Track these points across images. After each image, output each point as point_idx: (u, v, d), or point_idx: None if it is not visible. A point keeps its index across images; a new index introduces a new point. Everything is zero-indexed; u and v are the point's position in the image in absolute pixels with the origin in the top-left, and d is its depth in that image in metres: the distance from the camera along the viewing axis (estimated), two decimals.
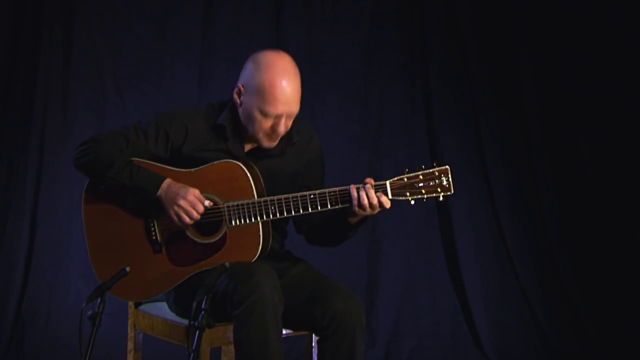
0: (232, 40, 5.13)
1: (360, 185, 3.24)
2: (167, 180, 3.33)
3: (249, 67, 3.33)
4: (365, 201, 3.22)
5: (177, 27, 5.11)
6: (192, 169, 3.36)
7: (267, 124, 3.30)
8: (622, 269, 5.16)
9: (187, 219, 3.29)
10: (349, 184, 3.27)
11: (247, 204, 3.29)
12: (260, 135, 3.34)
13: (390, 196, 3.24)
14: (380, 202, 3.24)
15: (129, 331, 3.61)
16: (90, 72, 5.08)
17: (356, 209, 3.23)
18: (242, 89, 3.33)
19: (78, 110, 5.07)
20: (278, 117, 3.29)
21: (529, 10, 5.26)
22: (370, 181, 3.25)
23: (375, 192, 3.22)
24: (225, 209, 3.31)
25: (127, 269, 3.10)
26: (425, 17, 5.29)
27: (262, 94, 3.27)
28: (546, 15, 5.25)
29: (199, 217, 3.30)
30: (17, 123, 5.05)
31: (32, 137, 5.01)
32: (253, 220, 3.30)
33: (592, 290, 5.21)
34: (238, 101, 3.35)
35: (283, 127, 3.31)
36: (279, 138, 3.36)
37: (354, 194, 3.22)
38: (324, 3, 5.24)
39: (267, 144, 3.36)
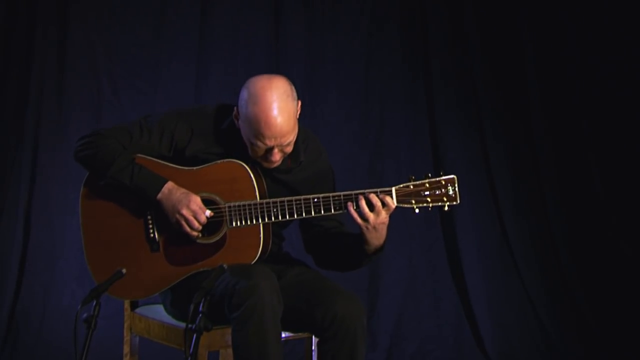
0: (231, 39, 5.12)
1: (361, 194, 3.23)
2: (169, 184, 3.31)
3: (243, 94, 3.29)
4: (366, 209, 3.20)
5: (174, 25, 5.09)
6: (195, 167, 3.34)
7: (260, 152, 3.29)
8: (627, 272, 5.15)
9: (188, 229, 3.29)
10: (351, 184, 3.31)
11: (249, 205, 3.28)
12: (258, 159, 3.33)
13: (395, 203, 3.23)
14: (383, 203, 3.22)
15: (125, 334, 3.58)
16: (85, 71, 5.06)
17: (362, 224, 3.22)
18: (237, 114, 3.32)
19: (73, 109, 5.05)
20: (269, 149, 3.27)
21: (534, 6, 5.25)
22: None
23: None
24: (227, 209, 3.29)
25: (123, 270, 3.09)
26: (427, 14, 5.28)
27: (251, 126, 3.24)
28: (552, 12, 5.24)
29: (200, 227, 3.29)
30: (11, 122, 5.02)
31: (26, 137, 4.99)
32: (254, 221, 3.28)
33: (598, 293, 5.20)
34: (237, 123, 3.33)
35: (277, 157, 3.29)
36: (278, 162, 3.33)
37: (351, 210, 3.21)
38: (324, 1, 5.21)
39: (267, 165, 3.34)
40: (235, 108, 3.31)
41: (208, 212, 3.28)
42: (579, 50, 5.21)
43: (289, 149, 3.31)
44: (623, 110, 5.16)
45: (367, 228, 3.23)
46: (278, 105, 3.22)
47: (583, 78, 5.21)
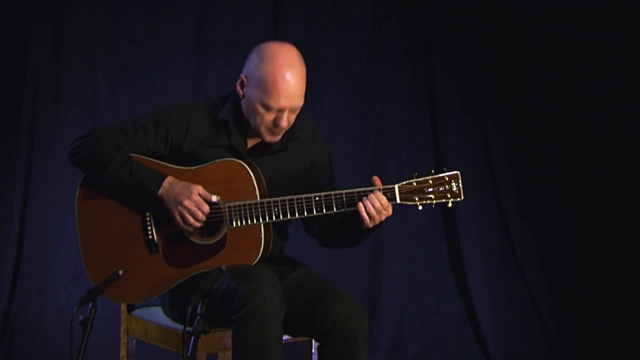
0: (229, 36, 5.10)
1: (364, 192, 3.21)
2: (169, 179, 3.27)
3: (253, 57, 3.29)
4: (372, 209, 3.19)
5: (171, 22, 5.08)
6: (193, 167, 3.31)
7: (269, 117, 3.26)
8: (632, 274, 5.13)
9: (192, 221, 3.25)
10: (352, 184, 3.25)
11: (249, 204, 3.25)
12: (263, 129, 3.30)
13: (398, 200, 3.23)
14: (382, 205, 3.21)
15: (121, 337, 3.56)
16: (81, 69, 5.04)
17: (367, 220, 3.20)
18: (245, 80, 3.30)
19: (69, 108, 5.04)
20: (280, 111, 3.26)
21: (538, 2, 5.23)
22: (377, 180, 3.23)
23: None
24: (227, 209, 3.26)
25: (120, 272, 3.07)
26: (429, 11, 5.27)
27: (264, 86, 3.23)
28: (556, 9, 5.23)
29: (204, 218, 3.25)
30: (5, 121, 5.01)
31: (21, 136, 4.98)
32: (255, 221, 3.25)
33: (602, 296, 5.19)
34: (241, 92, 3.32)
35: (285, 122, 3.27)
36: (282, 132, 3.32)
37: (361, 208, 3.18)
38: None
39: (270, 138, 3.32)
40: (241, 76, 3.29)
41: (214, 197, 3.24)
42: (583, 47, 5.20)
43: (293, 118, 3.30)
44: (627, 109, 5.15)
45: (367, 222, 3.22)
46: (294, 64, 3.25)
47: (587, 76, 5.19)
